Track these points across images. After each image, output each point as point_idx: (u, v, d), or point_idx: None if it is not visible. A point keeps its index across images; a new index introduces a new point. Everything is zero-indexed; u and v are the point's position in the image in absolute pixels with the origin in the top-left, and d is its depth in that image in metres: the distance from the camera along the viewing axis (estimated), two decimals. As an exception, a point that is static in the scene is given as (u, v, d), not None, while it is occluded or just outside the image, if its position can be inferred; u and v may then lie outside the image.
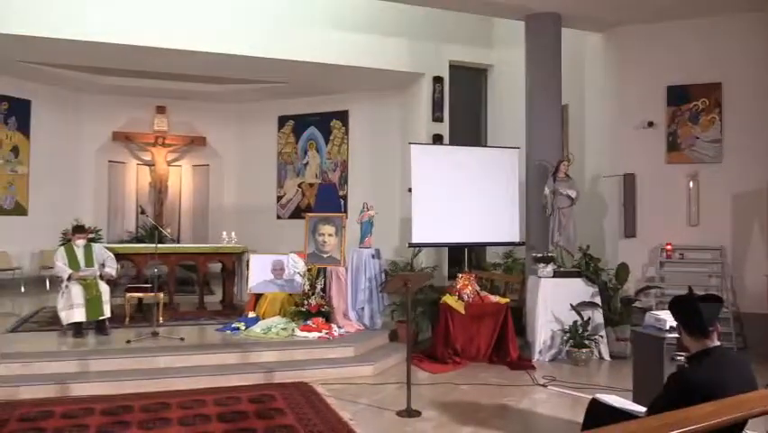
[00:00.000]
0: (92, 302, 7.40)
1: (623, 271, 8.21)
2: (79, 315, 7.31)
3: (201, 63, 11.54)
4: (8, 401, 5.48)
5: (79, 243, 7.79)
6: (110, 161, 14.79)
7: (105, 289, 7.56)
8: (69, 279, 7.44)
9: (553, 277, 7.79)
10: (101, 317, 7.46)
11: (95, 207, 14.10)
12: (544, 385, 6.39)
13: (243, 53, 11.01)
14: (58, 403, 5.47)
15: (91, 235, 9.12)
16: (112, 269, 7.88)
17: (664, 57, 9.06)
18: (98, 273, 7.68)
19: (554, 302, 7.63)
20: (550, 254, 7.97)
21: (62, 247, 7.92)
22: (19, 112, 13.15)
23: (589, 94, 10.22)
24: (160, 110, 14.79)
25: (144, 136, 14.73)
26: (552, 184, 8.26)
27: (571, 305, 7.49)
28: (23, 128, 13.25)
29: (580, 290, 7.73)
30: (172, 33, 10.46)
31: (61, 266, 7.55)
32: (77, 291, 7.33)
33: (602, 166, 9.67)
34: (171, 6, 10.49)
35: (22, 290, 11.96)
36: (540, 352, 7.55)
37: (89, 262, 7.69)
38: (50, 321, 8.28)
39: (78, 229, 8.00)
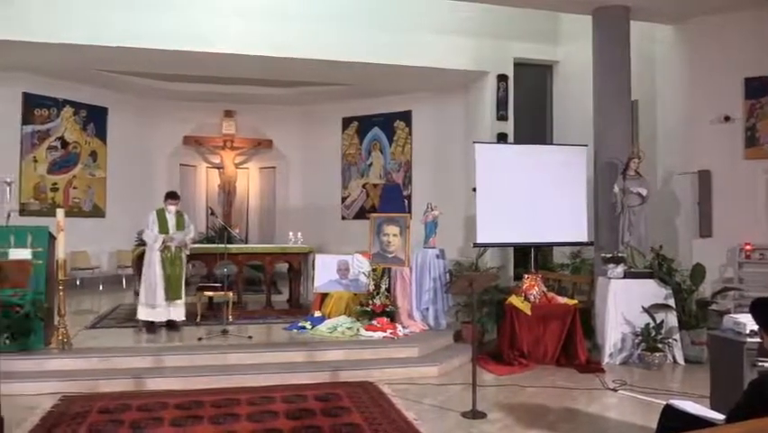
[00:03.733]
0: (173, 282, 7.71)
1: (698, 272, 7.88)
2: (158, 316, 7.64)
3: (267, 67, 11.79)
4: (89, 394, 5.75)
5: (171, 208, 7.97)
6: (181, 165, 15.31)
7: (185, 267, 7.89)
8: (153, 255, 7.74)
9: (624, 278, 7.55)
10: (174, 319, 7.74)
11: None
12: (614, 389, 6.21)
13: (309, 57, 11.18)
14: (134, 397, 5.70)
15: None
16: (189, 236, 8.04)
17: (741, 48, 8.66)
18: (187, 239, 7.92)
19: (625, 304, 7.40)
20: (620, 255, 7.73)
21: (155, 211, 8.01)
22: (97, 119, 13.80)
23: (660, 88, 9.88)
24: (228, 114, 15.21)
25: (213, 140, 15.18)
26: (621, 182, 8.02)
27: (643, 307, 7.25)
28: (101, 134, 13.90)
29: (652, 291, 7.47)
30: (239, 39, 10.73)
31: (151, 233, 7.78)
32: (159, 291, 7.63)
33: (675, 163, 9.33)
34: (238, 14, 10.75)
35: (100, 288, 12.53)
36: (610, 355, 7.34)
37: (180, 229, 7.93)
38: (127, 318, 8.64)
39: (171, 195, 8.14)
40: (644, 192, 7.93)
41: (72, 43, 10.30)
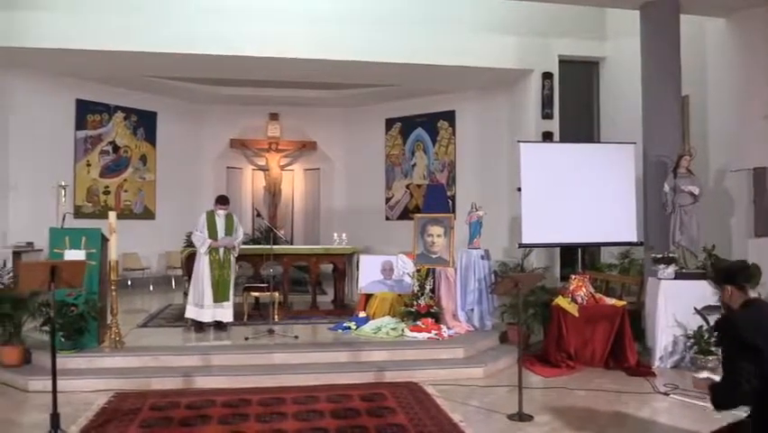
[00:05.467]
0: (221, 285, 7.85)
1: (754, 272, 7.59)
2: (206, 316, 7.79)
3: (311, 70, 11.91)
4: (141, 391, 5.90)
5: (221, 212, 8.11)
6: (228, 167, 15.58)
7: (233, 269, 8.02)
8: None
9: (675, 279, 7.34)
10: (222, 320, 7.88)
11: (215, 211, 14.89)
12: (665, 393, 6.04)
13: (351, 58, 11.26)
14: (183, 394, 5.82)
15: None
16: (237, 240, 8.14)
17: (798, 39, 8.33)
18: (235, 243, 8.05)
19: (676, 306, 7.19)
20: (671, 255, 7.52)
21: (205, 214, 8.16)
22: (146, 123, 14.18)
23: (711, 83, 9.58)
24: (273, 117, 15.41)
25: (259, 143, 15.41)
26: (672, 180, 7.81)
27: (696, 309, 7.03)
28: (150, 138, 14.27)
29: (704, 292, 7.22)
30: (284, 43, 10.87)
31: (200, 235, 7.94)
32: (208, 293, 7.79)
33: (728, 160, 9.03)
34: (282, 18, 10.88)
35: (151, 288, 12.85)
36: (661, 358, 7.15)
37: (229, 233, 8.06)
38: (176, 318, 8.84)
39: (221, 199, 8.27)
40: (695, 191, 7.71)
41: (123, 50, 10.63)
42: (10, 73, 11.52)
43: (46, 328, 6.21)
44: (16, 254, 10.51)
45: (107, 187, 13.49)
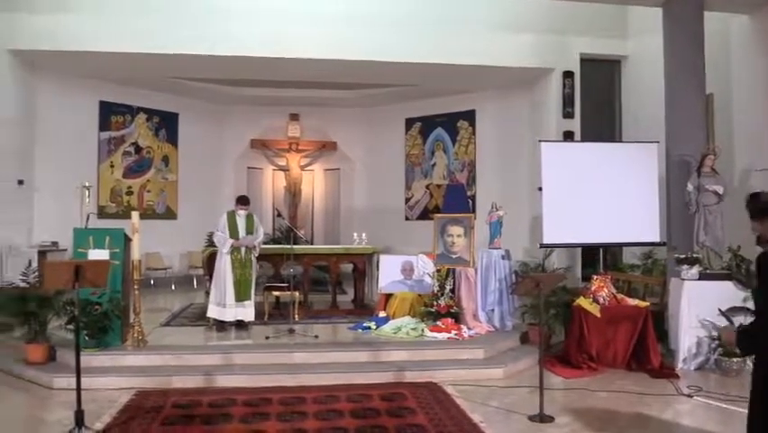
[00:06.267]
0: (242, 284, 7.92)
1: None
2: (227, 315, 7.85)
3: (331, 70, 11.94)
4: (163, 389, 5.96)
5: (241, 213, 8.18)
6: (248, 167, 15.68)
7: (255, 269, 8.08)
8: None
9: (699, 280, 7.24)
10: (243, 319, 7.93)
11: (235, 211, 14.97)
12: (689, 396, 5.96)
13: (371, 58, 11.27)
14: (205, 393, 5.87)
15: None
16: (257, 239, 8.19)
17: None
18: (256, 242, 8.10)
19: (700, 307, 7.09)
20: (695, 255, 7.42)
21: (226, 214, 8.25)
22: (168, 124, 14.33)
23: (736, 81, 9.43)
24: (294, 117, 15.48)
25: (279, 143, 15.49)
26: (696, 180, 7.71)
27: (720, 310, 6.93)
28: (172, 139, 14.42)
29: (729, 293, 7.13)
30: (304, 44, 10.91)
31: (222, 235, 8.02)
32: (230, 292, 7.85)
33: (754, 159, 8.88)
34: (301, 19, 10.93)
35: (173, 287, 12.98)
36: (684, 360, 7.06)
37: (249, 232, 8.12)
38: (198, 317, 8.92)
39: (242, 200, 8.34)
40: (720, 190, 7.60)
41: (145, 52, 10.76)
42: (36, 76, 11.71)
43: (70, 327, 6.28)
44: (41, 254, 10.68)
45: (130, 187, 13.66)
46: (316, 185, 16.19)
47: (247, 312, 8.00)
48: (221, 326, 7.93)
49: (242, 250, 8.02)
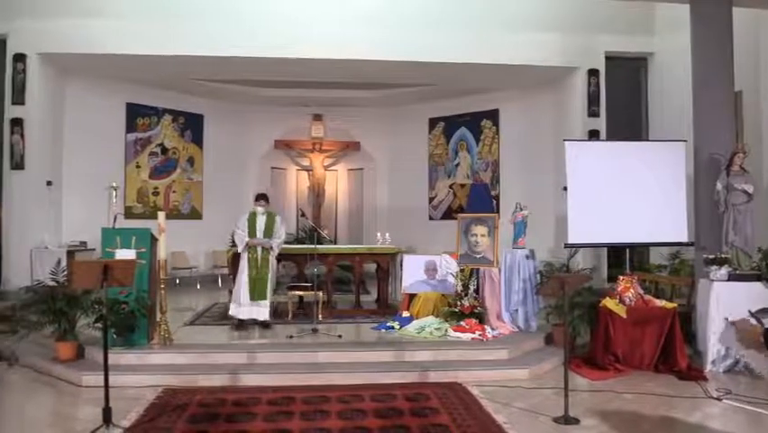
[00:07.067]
0: (257, 282, 7.92)
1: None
2: (243, 314, 7.89)
3: (355, 71, 11.98)
4: (189, 388, 6.02)
5: (259, 209, 8.16)
6: (272, 168, 15.80)
7: (272, 269, 8.03)
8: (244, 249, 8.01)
9: (728, 280, 7.12)
10: (261, 318, 7.96)
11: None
12: (717, 398, 5.86)
13: (393, 58, 11.29)
14: (229, 392, 5.92)
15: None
16: (275, 241, 8.12)
17: None
18: (273, 244, 8.06)
19: (729, 308, 6.96)
20: (724, 255, 7.29)
21: (247, 213, 8.28)
22: (193, 125, 14.50)
23: (765, 78, 9.26)
24: (317, 118, 15.56)
25: (303, 143, 15.58)
26: (725, 179, 7.57)
27: (750, 311, 6.79)
28: (197, 140, 14.59)
29: (759, 294, 6.99)
30: (327, 44, 10.97)
31: (240, 234, 8.05)
32: (244, 291, 7.90)
33: (785, 157, 8.72)
34: (325, 20, 11.00)
35: (198, 287, 13.10)
36: (713, 362, 6.93)
37: (268, 232, 8.09)
38: (222, 316, 8.98)
39: (259, 196, 8.33)
40: (750, 189, 7.45)
41: (169, 54, 10.90)
42: (64, 79, 11.95)
43: (99, 325, 6.38)
44: (70, 253, 10.88)
45: (156, 188, 13.84)
46: (340, 185, 16.24)
47: (261, 311, 7.97)
48: (241, 324, 7.96)
49: (259, 249, 8.01)
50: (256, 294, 7.94)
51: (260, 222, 8.12)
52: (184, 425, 5.02)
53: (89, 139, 12.41)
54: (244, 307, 7.95)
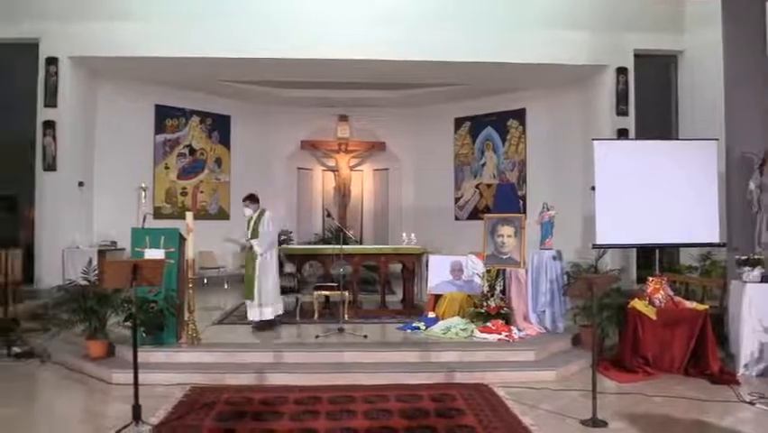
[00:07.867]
0: (247, 282, 7.93)
1: None
2: (252, 314, 7.92)
3: (380, 71, 11.99)
4: (216, 386, 6.09)
5: (247, 210, 8.04)
6: (298, 168, 15.89)
7: (263, 269, 7.83)
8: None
9: (762, 282, 6.97)
10: (262, 318, 7.92)
11: (286, 211, 15.18)
12: (750, 403, 5.74)
13: (419, 58, 11.28)
14: (256, 390, 5.96)
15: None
16: (255, 241, 7.84)
17: None
18: (253, 243, 7.87)
19: (763, 310, 6.82)
20: (757, 257, 7.14)
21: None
22: (221, 126, 14.65)
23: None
24: (343, 118, 15.60)
25: (328, 144, 15.64)
26: (758, 178, 7.43)
27: (784, 313, 6.67)
28: (224, 141, 14.73)
29: (794, 296, 6.85)
30: (352, 45, 11.01)
31: (247, 233, 8.09)
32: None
33: (821, 156, 8.50)
34: (349, 20, 11.03)
35: (225, 286, 13.22)
36: (746, 365, 6.79)
37: (254, 234, 7.94)
38: (249, 315, 9.05)
39: (245, 197, 8.19)
40: (784, 189, 7.30)
41: (197, 56, 11.04)
42: (95, 81, 12.16)
43: (128, 324, 6.47)
44: (101, 253, 11.07)
45: (184, 188, 14.01)
46: (365, 185, 16.27)
47: (264, 311, 7.95)
48: (257, 324, 7.98)
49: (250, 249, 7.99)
50: (246, 292, 7.95)
51: (251, 223, 8.02)
52: (212, 423, 5.07)
53: (119, 140, 12.62)
54: (252, 308, 7.96)
